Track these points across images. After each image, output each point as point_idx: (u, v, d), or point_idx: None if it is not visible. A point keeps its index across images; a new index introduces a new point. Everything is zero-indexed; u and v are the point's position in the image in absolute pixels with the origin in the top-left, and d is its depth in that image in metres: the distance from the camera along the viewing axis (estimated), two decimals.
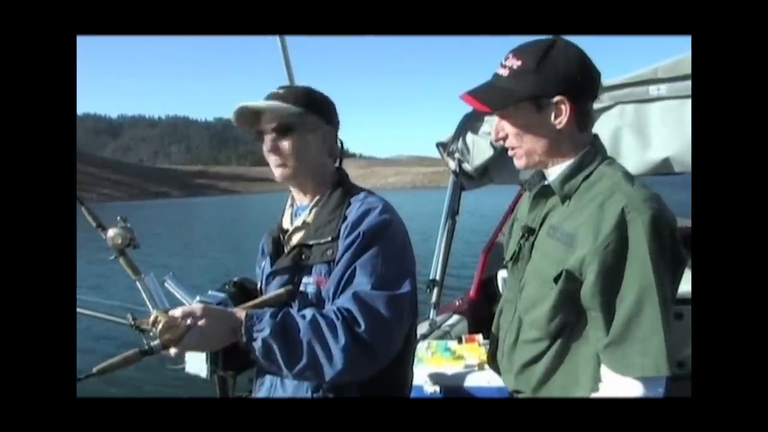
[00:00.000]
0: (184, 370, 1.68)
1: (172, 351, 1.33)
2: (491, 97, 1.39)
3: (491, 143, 3.30)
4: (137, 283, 1.95)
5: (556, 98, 1.34)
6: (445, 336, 3.34)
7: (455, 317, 3.65)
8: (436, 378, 2.64)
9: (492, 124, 3.29)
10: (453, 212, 3.69)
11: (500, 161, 3.37)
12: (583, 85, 1.37)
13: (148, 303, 1.90)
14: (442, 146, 3.61)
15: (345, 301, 1.40)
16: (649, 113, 2.81)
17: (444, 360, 2.80)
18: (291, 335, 1.35)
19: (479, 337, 3.08)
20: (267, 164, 1.62)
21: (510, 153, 1.45)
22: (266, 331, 1.33)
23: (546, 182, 1.43)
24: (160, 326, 1.31)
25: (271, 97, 1.60)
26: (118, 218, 1.93)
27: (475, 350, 2.91)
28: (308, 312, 1.40)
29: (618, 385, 1.27)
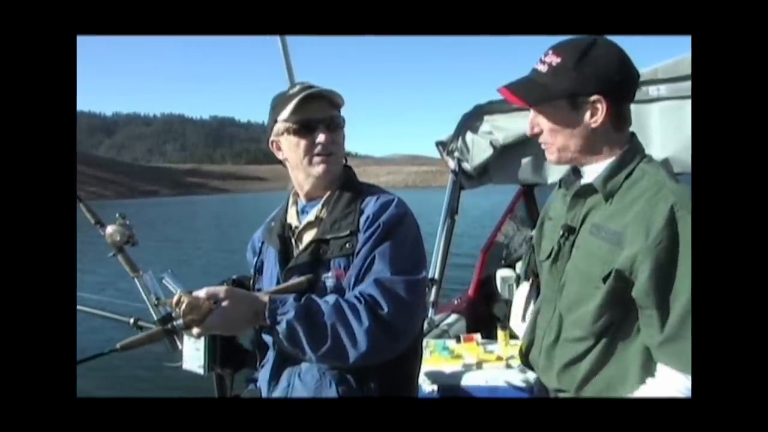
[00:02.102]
0: (181, 368, 1.68)
1: (195, 331, 1.35)
2: (528, 92, 1.40)
3: (490, 142, 3.31)
4: (135, 281, 1.94)
5: (593, 97, 1.35)
6: (443, 335, 3.36)
7: (453, 316, 3.67)
8: (434, 377, 2.65)
9: (492, 124, 3.32)
10: (452, 211, 3.71)
11: (499, 161, 3.38)
12: (620, 86, 1.38)
13: (146, 300, 1.89)
14: (441, 145, 3.62)
15: (366, 286, 1.44)
16: (648, 114, 2.82)
17: (442, 359, 2.82)
18: (315, 318, 1.38)
19: (477, 336, 3.09)
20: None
21: (543, 147, 1.46)
22: (291, 314, 1.36)
23: (586, 181, 1.44)
24: (183, 306, 1.33)
25: (324, 92, 1.61)
26: (117, 215, 1.92)
27: (473, 349, 2.92)
28: (331, 297, 1.44)
29: (675, 381, 1.27)
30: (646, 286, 1.26)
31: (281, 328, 1.37)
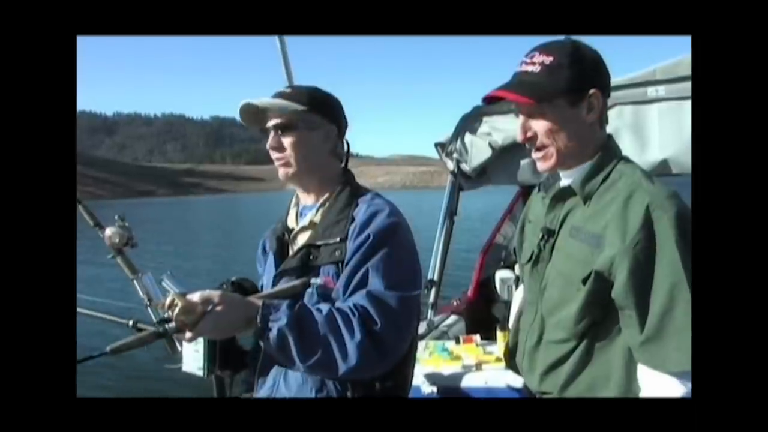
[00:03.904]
0: (181, 370, 1.68)
1: (187, 335, 1.33)
2: (531, 91, 1.38)
3: (489, 144, 3.31)
4: (134, 282, 1.94)
5: (591, 91, 1.38)
6: (442, 336, 3.36)
7: (453, 317, 3.67)
8: (433, 378, 2.64)
9: (491, 125, 3.32)
10: (451, 212, 3.71)
11: (498, 162, 3.38)
12: (607, 81, 1.43)
13: (145, 302, 1.89)
14: (440, 146, 3.61)
15: (359, 299, 1.41)
16: (647, 114, 2.82)
17: (441, 360, 2.81)
18: (307, 327, 1.35)
19: (477, 337, 3.09)
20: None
21: (536, 154, 1.45)
22: (283, 321, 1.34)
23: (564, 184, 1.45)
24: (176, 309, 1.30)
25: (277, 95, 1.61)
26: (116, 217, 1.93)
27: (472, 350, 2.92)
28: (324, 306, 1.41)
29: (655, 381, 1.28)
30: (625, 286, 1.27)
31: (272, 335, 1.34)
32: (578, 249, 1.36)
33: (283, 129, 1.58)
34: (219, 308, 1.33)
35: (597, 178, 1.39)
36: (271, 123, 1.59)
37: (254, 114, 1.61)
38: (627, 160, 1.43)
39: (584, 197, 1.39)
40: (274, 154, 1.60)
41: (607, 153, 1.42)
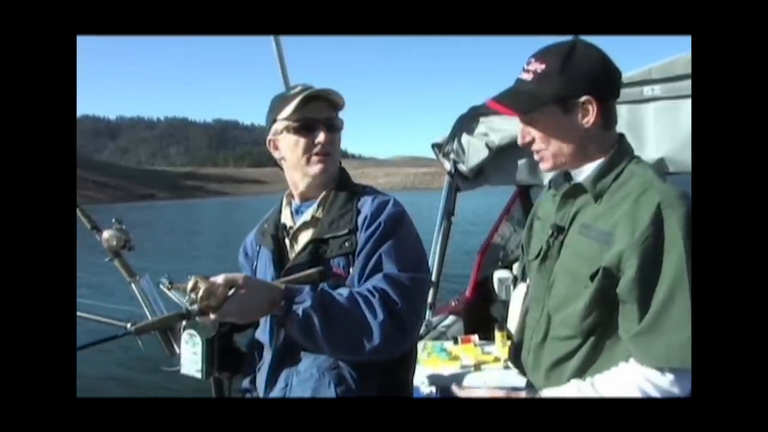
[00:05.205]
0: (180, 372, 1.68)
1: (211, 317, 1.33)
2: (518, 102, 1.41)
3: (486, 144, 3.31)
4: (132, 285, 1.94)
5: (583, 98, 1.37)
6: (441, 337, 3.36)
7: (451, 318, 3.68)
8: (432, 379, 2.65)
9: (488, 125, 3.32)
10: (449, 213, 3.72)
11: (496, 162, 3.38)
12: (607, 84, 1.41)
13: (143, 305, 1.89)
14: (437, 147, 3.62)
15: (377, 281, 1.45)
16: (643, 114, 2.83)
17: (440, 361, 2.82)
18: (331, 309, 1.38)
19: (475, 337, 3.10)
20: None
21: (536, 156, 1.47)
22: (307, 303, 1.36)
23: (575, 181, 1.45)
24: (200, 292, 1.30)
25: (316, 92, 1.63)
26: (113, 220, 1.92)
27: (471, 351, 2.93)
28: (344, 290, 1.44)
29: (642, 375, 1.28)
30: (630, 282, 1.28)
31: (297, 317, 1.35)
32: (587, 246, 1.37)
33: (337, 127, 1.64)
34: (243, 291, 1.33)
35: (609, 176, 1.39)
36: (328, 116, 1.62)
37: (302, 102, 1.60)
38: (639, 159, 1.43)
39: (595, 195, 1.39)
40: (323, 148, 1.60)
41: (619, 152, 1.42)
